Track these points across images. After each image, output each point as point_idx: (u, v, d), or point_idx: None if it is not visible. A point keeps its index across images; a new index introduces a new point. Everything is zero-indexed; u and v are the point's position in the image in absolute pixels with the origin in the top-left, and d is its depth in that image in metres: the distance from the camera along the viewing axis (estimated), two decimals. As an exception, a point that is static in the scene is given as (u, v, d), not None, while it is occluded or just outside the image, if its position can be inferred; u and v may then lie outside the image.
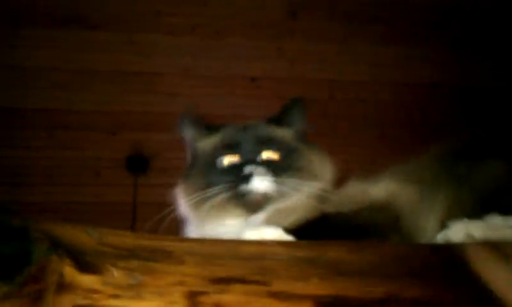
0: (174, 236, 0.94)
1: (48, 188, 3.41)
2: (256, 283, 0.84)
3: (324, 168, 1.32)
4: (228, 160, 1.27)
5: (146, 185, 3.43)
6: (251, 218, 1.22)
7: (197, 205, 1.24)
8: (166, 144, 3.39)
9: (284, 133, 1.35)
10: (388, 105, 3.49)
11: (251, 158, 1.25)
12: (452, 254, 0.98)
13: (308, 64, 3.38)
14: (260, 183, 1.19)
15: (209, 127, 1.39)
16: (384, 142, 3.44)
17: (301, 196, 1.21)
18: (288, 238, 1.05)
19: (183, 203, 1.30)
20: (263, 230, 1.04)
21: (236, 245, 0.95)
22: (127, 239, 0.86)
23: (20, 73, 3.23)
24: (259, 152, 1.26)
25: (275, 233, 1.05)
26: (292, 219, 1.16)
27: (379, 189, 1.26)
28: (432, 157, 1.36)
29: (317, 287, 0.86)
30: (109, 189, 3.53)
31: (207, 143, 1.36)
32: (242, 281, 0.84)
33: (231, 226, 1.21)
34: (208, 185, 1.22)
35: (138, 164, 3.45)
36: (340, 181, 1.32)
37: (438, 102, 3.50)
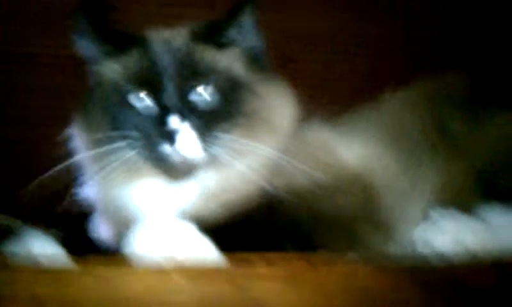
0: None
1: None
2: None
3: (283, 113, 0.92)
4: (142, 98, 0.86)
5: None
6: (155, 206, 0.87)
7: (99, 158, 0.86)
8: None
9: (227, 56, 0.91)
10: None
11: (175, 103, 0.84)
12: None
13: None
14: (189, 144, 0.81)
15: (117, 39, 0.92)
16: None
17: (245, 163, 0.84)
18: (203, 241, 0.71)
19: (80, 148, 0.92)
20: (163, 233, 0.70)
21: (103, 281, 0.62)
22: None
23: None
24: (188, 91, 0.85)
25: (185, 239, 0.70)
26: (225, 200, 0.83)
27: (350, 152, 0.90)
28: (417, 103, 0.98)
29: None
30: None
31: (113, 67, 0.92)
32: None
33: (145, 188, 0.87)
34: (114, 130, 0.86)
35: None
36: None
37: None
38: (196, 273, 0.65)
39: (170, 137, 0.80)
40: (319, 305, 0.66)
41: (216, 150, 0.82)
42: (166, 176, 0.85)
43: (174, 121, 0.81)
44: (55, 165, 0.85)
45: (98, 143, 0.86)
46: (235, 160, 0.83)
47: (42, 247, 0.73)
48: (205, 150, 0.82)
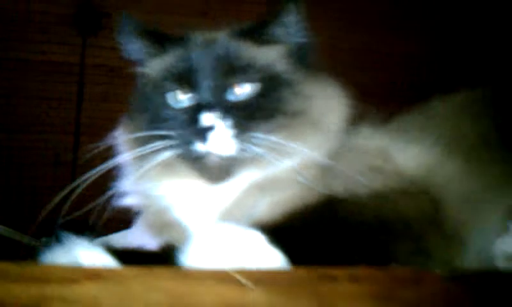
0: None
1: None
2: None
3: (332, 115, 0.86)
4: (181, 97, 0.84)
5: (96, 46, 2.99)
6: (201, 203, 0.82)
7: (139, 158, 0.83)
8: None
9: (268, 53, 0.87)
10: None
11: (209, 100, 0.81)
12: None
13: None
14: (223, 142, 0.77)
15: (160, 39, 0.91)
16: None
17: (287, 164, 0.79)
18: (274, 253, 0.63)
19: (123, 150, 0.88)
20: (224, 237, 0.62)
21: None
22: None
23: None
24: (225, 87, 0.82)
25: (250, 243, 0.62)
26: (275, 202, 0.77)
27: (409, 158, 0.84)
28: (473, 108, 0.92)
29: None
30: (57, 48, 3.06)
31: (155, 67, 0.90)
32: None
33: (184, 189, 0.83)
34: (154, 130, 0.82)
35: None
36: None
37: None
38: (272, 286, 0.58)
39: (203, 134, 0.77)
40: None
41: (254, 150, 0.77)
42: (203, 176, 0.81)
43: (206, 118, 0.77)
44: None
45: (138, 143, 0.82)
46: (275, 161, 0.77)
47: (90, 256, 0.65)
48: (242, 149, 0.78)
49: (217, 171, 0.79)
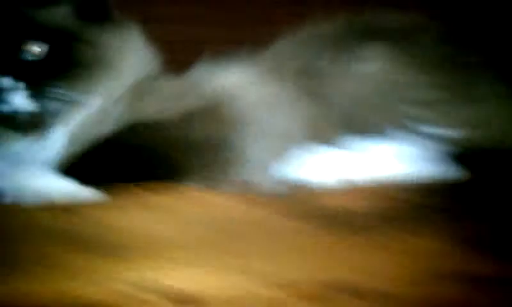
0: None
1: None
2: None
3: (127, 59, 0.97)
4: None
5: None
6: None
7: None
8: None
9: (55, 12, 0.95)
10: None
11: (5, 64, 0.89)
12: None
13: None
14: (22, 101, 0.89)
15: None
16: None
17: (86, 109, 0.93)
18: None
19: None
20: None
21: None
22: None
23: None
24: (17, 49, 0.91)
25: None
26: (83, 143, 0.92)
27: (223, 81, 0.97)
28: (297, 46, 1.02)
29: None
30: None
31: None
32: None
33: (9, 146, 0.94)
34: None
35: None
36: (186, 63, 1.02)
37: None
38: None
39: (1, 97, 0.88)
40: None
41: (53, 104, 0.90)
42: (16, 132, 0.92)
43: (2, 81, 0.88)
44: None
45: None
46: (75, 111, 0.92)
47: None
48: (41, 105, 0.89)
49: (26, 126, 0.91)
